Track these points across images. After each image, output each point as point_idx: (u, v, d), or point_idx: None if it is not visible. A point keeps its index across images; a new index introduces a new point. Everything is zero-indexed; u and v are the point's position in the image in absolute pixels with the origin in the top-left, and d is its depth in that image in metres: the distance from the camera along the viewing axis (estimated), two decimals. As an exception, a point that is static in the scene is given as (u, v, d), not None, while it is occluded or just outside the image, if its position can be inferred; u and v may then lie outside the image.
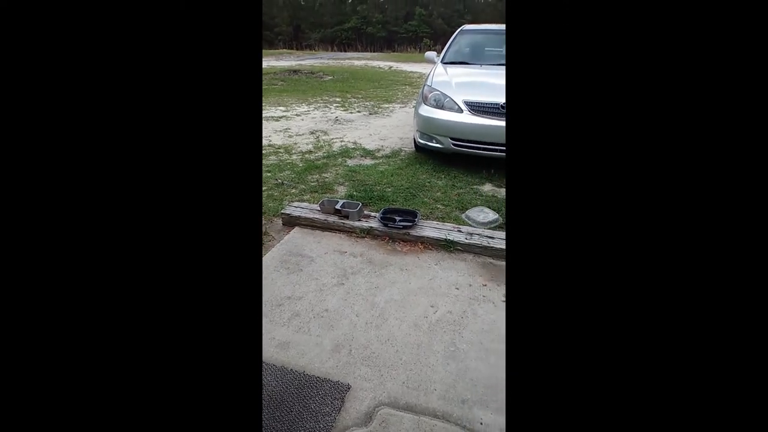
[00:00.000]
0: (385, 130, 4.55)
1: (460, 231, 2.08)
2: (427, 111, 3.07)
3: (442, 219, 2.30)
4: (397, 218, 2.14)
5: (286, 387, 1.17)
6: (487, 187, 2.83)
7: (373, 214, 2.24)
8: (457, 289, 1.67)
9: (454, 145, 2.99)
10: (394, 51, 21.78)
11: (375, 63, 13.51)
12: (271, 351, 1.32)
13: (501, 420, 1.09)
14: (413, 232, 2.05)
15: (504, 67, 3.48)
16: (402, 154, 3.60)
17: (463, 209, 2.44)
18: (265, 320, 1.47)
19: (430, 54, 3.99)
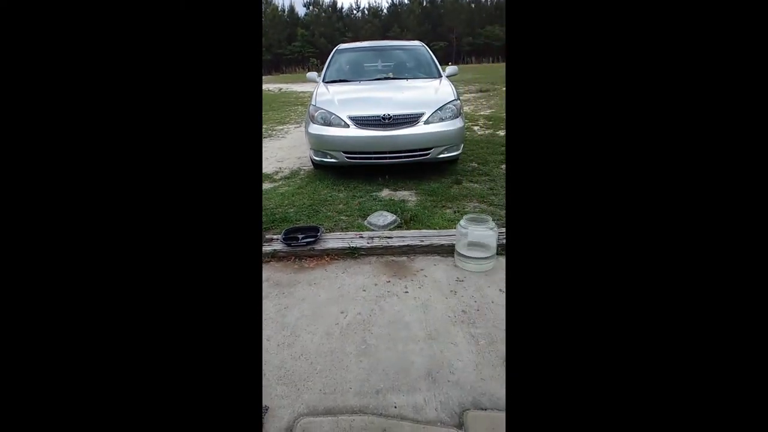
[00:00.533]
0: (282, 151, 4.53)
1: (361, 237, 2.19)
2: (316, 129, 3.17)
3: (346, 229, 2.40)
4: (300, 236, 2.18)
5: (200, 429, 1.13)
6: (385, 192, 3.02)
7: (275, 236, 2.24)
8: (364, 290, 1.78)
9: (348, 158, 3.14)
10: (282, 72, 21.65)
11: (264, 86, 13.27)
12: (178, 398, 1.26)
13: (412, 399, 1.20)
14: (318, 247, 2.11)
15: (381, 82, 3.77)
16: (301, 173, 3.64)
17: (365, 216, 2.57)
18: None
19: (312, 74, 4.12)
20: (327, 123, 3.16)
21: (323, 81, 3.79)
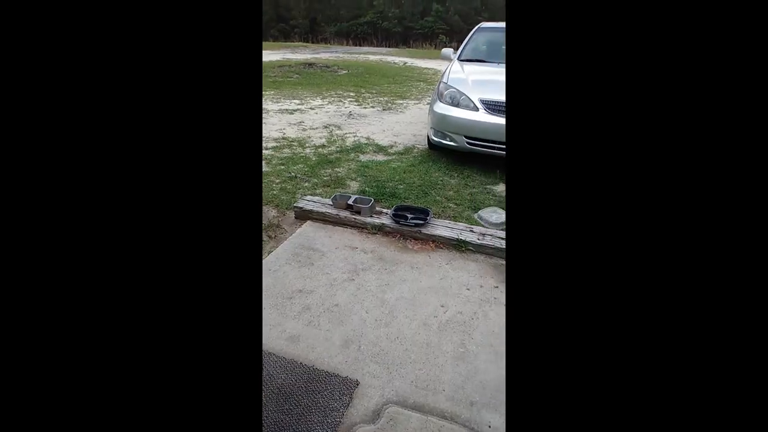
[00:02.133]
0: (399, 126, 4.53)
1: (472, 231, 2.06)
2: (442, 108, 3.05)
3: (454, 218, 2.29)
4: (409, 216, 2.13)
5: (296, 380, 1.18)
6: (501, 188, 2.80)
7: (384, 210, 2.23)
8: (468, 289, 1.66)
9: (469, 143, 2.96)
10: (409, 47, 21.63)
11: (390, 58, 13.44)
12: (281, 344, 1.33)
13: (509, 424, 1.08)
14: (425, 231, 2.04)
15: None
16: (415, 151, 3.58)
17: (476, 209, 2.42)
18: (275, 313, 1.48)
19: (447, 51, 3.95)
20: (455, 103, 3.01)
21: (458, 59, 3.60)
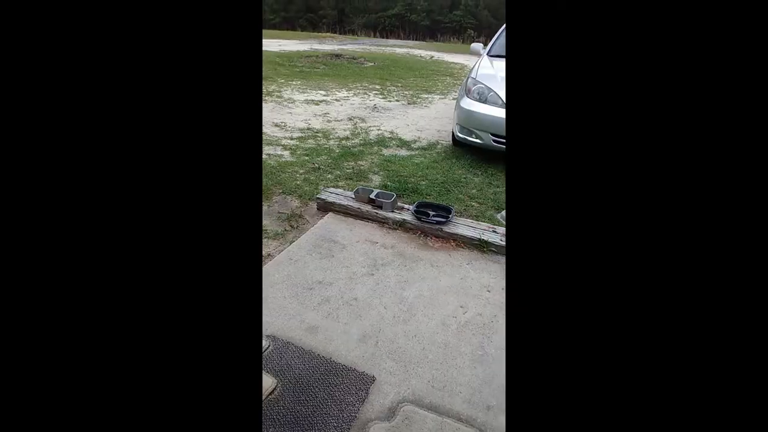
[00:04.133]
0: (423, 121, 4.48)
1: (495, 232, 2.02)
2: (469, 104, 2.99)
3: (476, 217, 2.25)
4: (431, 212, 2.11)
5: (313, 372, 1.19)
6: (526, 188, 2.73)
7: (406, 206, 2.21)
8: (489, 291, 1.63)
9: (495, 141, 2.90)
10: (436, 41, 21.30)
11: (417, 52, 13.29)
12: (300, 334, 1.34)
13: None
14: (446, 229, 2.01)
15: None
16: (438, 146, 3.54)
17: (499, 209, 2.37)
18: (295, 303, 1.49)
19: (476, 45, 3.86)
20: (483, 99, 2.94)
21: (488, 54, 3.52)
